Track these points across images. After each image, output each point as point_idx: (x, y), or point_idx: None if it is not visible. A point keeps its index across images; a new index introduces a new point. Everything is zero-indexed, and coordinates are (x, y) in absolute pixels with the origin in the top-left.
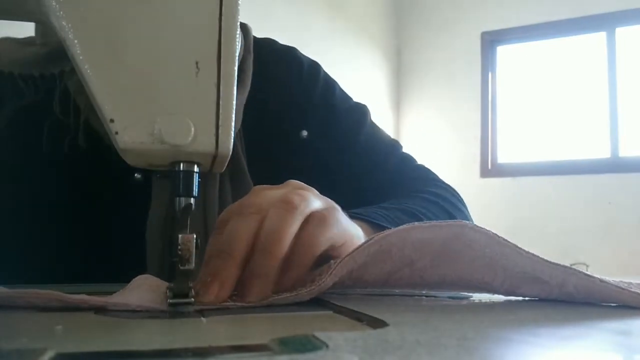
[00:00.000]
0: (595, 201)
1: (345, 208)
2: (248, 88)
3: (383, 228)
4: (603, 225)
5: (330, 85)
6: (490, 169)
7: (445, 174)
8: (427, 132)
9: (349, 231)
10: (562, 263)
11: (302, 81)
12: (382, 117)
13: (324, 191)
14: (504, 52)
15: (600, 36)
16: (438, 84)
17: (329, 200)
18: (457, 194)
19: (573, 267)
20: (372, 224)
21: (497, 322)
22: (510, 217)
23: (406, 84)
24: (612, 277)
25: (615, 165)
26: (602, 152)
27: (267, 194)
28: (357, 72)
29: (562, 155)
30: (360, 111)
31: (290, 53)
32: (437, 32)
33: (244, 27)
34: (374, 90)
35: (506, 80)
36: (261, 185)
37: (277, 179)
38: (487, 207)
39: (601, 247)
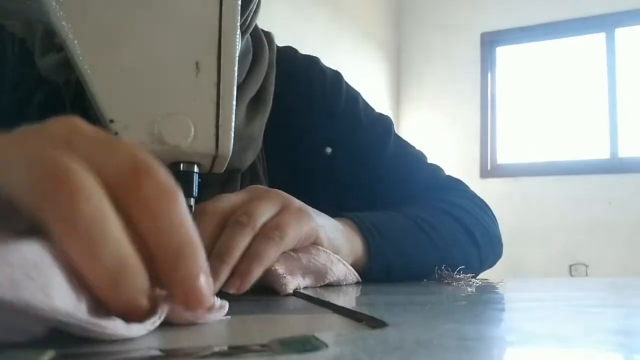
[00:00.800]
0: (595, 201)
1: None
2: (269, 108)
3: (365, 226)
4: (603, 226)
5: (353, 97)
6: (489, 169)
7: None
8: (427, 132)
9: (314, 230)
10: (563, 264)
11: (325, 94)
12: None
13: (349, 206)
14: (503, 53)
15: (600, 37)
16: (438, 85)
17: (290, 201)
18: (483, 203)
19: (572, 267)
20: (357, 223)
21: (496, 322)
22: (510, 218)
23: (406, 84)
24: (613, 277)
25: (615, 166)
26: (601, 153)
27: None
28: (357, 72)
29: (561, 156)
30: (386, 124)
31: (313, 64)
32: (437, 33)
33: (268, 36)
34: (374, 90)
35: (506, 81)
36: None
37: (300, 195)
38: None
39: (601, 247)
